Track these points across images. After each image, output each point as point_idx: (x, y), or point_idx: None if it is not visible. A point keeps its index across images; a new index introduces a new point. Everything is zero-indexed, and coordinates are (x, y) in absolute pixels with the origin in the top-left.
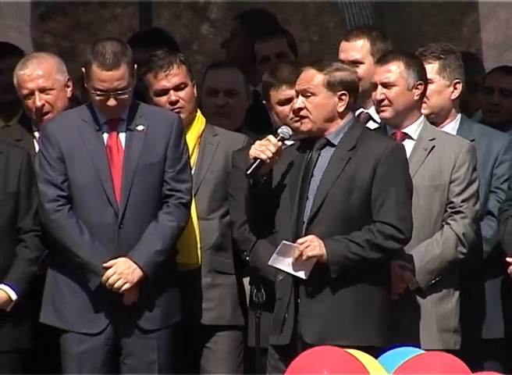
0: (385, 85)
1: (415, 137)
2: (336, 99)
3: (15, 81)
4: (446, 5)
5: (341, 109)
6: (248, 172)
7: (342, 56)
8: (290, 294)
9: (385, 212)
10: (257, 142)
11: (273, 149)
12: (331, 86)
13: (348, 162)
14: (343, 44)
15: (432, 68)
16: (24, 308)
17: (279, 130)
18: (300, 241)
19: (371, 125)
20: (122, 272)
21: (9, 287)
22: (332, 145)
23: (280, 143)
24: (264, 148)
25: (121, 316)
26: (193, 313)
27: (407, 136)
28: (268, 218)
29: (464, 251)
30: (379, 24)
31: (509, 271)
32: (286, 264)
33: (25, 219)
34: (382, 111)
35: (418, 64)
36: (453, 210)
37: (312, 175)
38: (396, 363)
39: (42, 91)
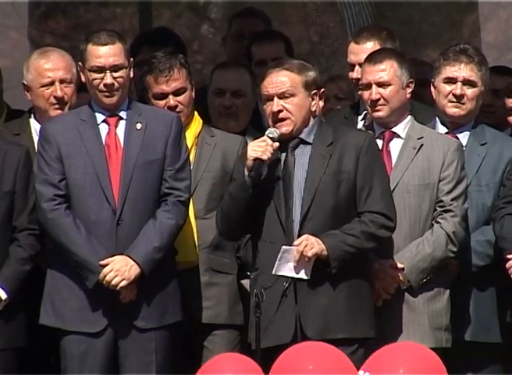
0: (381, 84)
1: (403, 135)
2: (310, 99)
3: (30, 70)
4: (446, 5)
5: (314, 108)
6: (252, 173)
7: (352, 58)
8: (284, 293)
9: (373, 201)
10: (254, 143)
11: (271, 150)
12: (307, 86)
13: (330, 158)
14: (353, 47)
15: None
16: (18, 306)
17: (268, 132)
18: (296, 242)
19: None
20: (119, 269)
21: None
22: (306, 144)
23: (277, 144)
24: (264, 149)
25: (119, 315)
26: (191, 312)
27: (395, 135)
28: (246, 220)
29: (454, 249)
30: (379, 24)
31: (508, 266)
32: (288, 269)
33: (20, 218)
34: (378, 110)
35: (408, 62)
36: (443, 209)
37: (293, 174)
38: None
39: (62, 82)
